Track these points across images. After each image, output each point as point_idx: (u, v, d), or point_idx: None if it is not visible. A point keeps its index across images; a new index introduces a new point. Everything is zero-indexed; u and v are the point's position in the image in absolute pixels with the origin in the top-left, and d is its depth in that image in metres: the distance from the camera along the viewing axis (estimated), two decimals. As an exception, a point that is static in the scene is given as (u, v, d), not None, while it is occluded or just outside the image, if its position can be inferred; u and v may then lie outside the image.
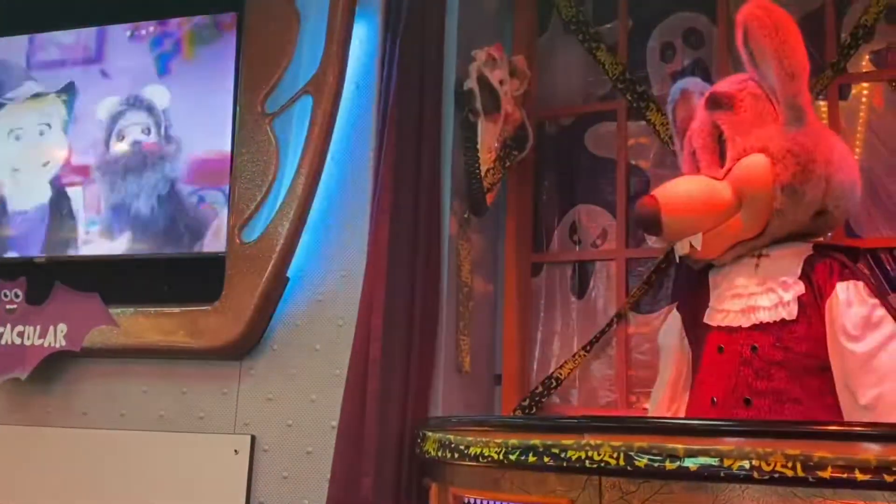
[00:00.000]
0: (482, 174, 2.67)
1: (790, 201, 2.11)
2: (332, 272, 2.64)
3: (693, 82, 2.49)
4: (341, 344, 2.50)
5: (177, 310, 2.76)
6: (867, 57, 2.64)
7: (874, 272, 2.44)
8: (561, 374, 2.80)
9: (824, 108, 2.61)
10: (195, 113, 2.95)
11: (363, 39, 2.74)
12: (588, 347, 2.79)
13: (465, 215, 2.68)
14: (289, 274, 2.66)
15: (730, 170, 2.20)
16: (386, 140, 2.54)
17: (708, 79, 2.65)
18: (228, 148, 2.84)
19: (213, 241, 2.82)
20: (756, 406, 2.07)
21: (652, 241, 2.76)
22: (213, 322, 2.67)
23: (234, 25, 2.93)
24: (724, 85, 2.32)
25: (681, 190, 2.24)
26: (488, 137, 2.67)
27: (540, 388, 2.81)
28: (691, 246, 2.20)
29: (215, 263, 2.76)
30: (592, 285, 2.92)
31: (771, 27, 2.11)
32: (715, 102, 2.26)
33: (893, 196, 2.52)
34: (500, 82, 2.68)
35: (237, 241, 2.70)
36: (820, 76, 2.58)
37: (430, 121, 2.56)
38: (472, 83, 2.60)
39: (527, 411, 2.78)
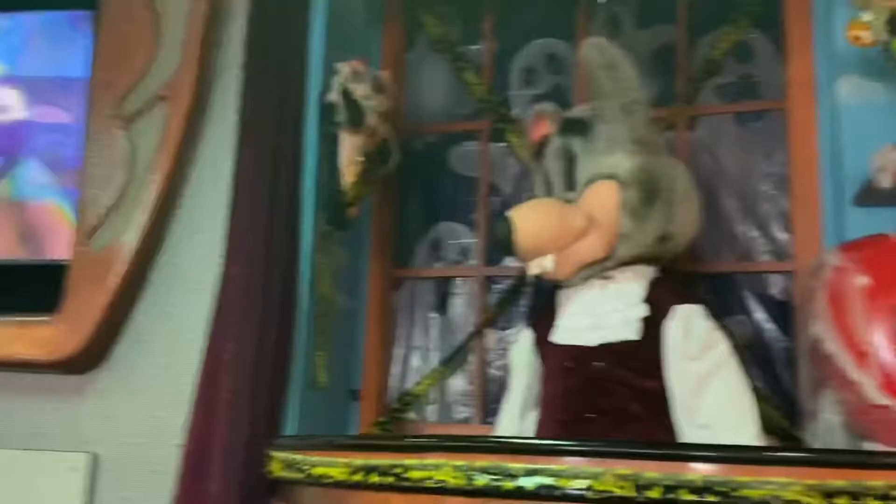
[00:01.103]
0: (344, 188, 2.65)
1: (635, 226, 2.19)
2: (183, 285, 2.56)
3: (550, 107, 2.55)
4: (189, 360, 2.41)
5: (13, 320, 2.61)
6: (715, 90, 2.77)
7: (713, 295, 2.56)
8: (418, 390, 2.80)
9: (675, 138, 2.73)
10: (44, 113, 2.81)
11: (226, 46, 2.68)
12: (445, 363, 2.80)
13: (325, 228, 2.65)
14: (138, 286, 2.56)
15: (581, 193, 2.27)
16: (244, 151, 2.48)
17: (568, 103, 2.72)
18: (79, 152, 2.71)
19: (59, 249, 2.69)
20: (600, 423, 2.13)
21: (511, 260, 2.81)
22: (52, 334, 2.53)
23: (88, 23, 2.81)
24: (577, 111, 2.40)
25: (534, 212, 2.29)
26: (351, 151, 2.65)
27: (397, 405, 2.80)
28: (543, 266, 2.25)
29: (60, 272, 2.62)
30: (453, 302, 2.94)
31: (604, 66, 2.21)
32: (568, 128, 2.33)
33: (732, 224, 2.65)
34: (365, 97, 2.66)
35: (83, 249, 2.58)
36: (669, 107, 2.70)
37: (289, 133, 2.52)
38: (334, 96, 2.59)
39: (384, 428, 2.77)
